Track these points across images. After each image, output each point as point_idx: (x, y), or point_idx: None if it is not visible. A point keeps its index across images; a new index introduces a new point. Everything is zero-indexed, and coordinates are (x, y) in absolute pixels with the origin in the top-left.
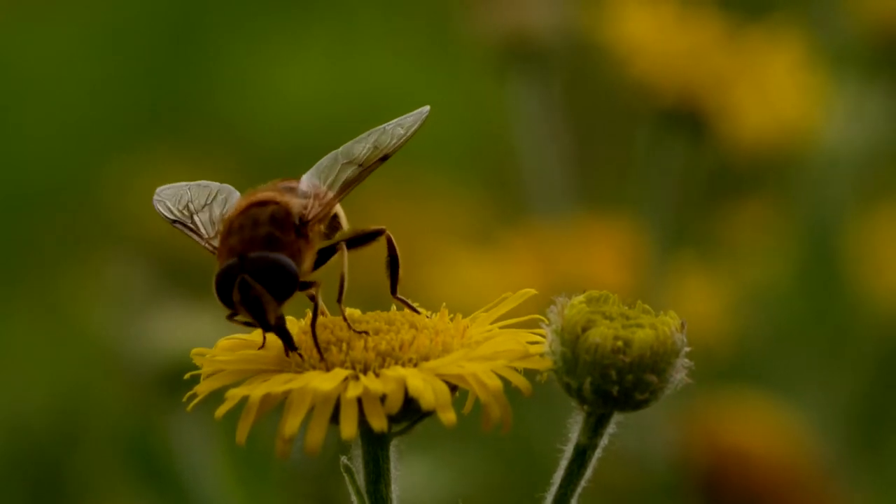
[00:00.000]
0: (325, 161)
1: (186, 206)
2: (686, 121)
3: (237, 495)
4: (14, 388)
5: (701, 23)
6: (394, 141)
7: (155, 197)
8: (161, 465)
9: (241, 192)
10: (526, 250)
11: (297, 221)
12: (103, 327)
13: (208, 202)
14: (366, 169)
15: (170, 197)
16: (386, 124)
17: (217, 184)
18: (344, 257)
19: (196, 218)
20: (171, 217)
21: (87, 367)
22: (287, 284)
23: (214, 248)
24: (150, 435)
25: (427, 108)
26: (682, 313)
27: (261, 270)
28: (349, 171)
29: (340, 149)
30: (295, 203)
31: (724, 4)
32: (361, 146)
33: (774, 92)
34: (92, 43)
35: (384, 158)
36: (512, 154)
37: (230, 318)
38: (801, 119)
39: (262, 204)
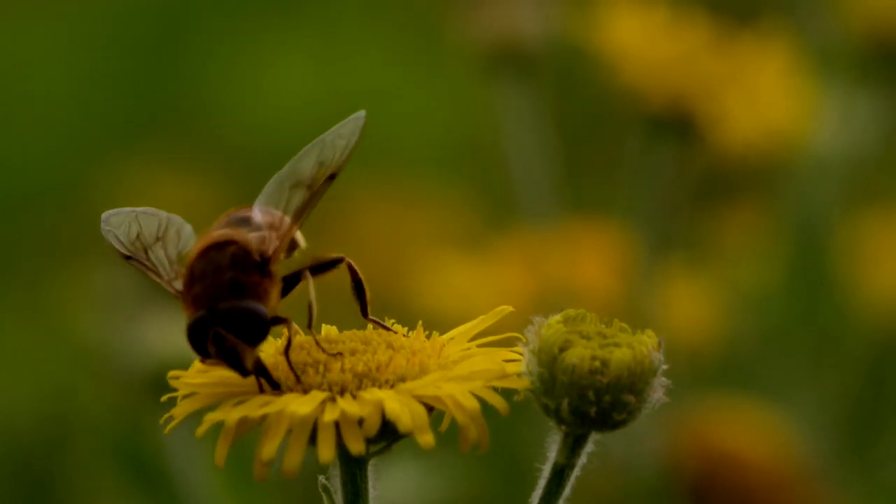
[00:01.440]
0: (270, 187)
1: (137, 239)
2: (675, 126)
3: (227, 498)
4: (1, 392)
5: (690, 28)
6: (337, 155)
7: (103, 226)
8: (150, 469)
9: (223, 197)
10: (514, 255)
11: (258, 258)
12: (91, 331)
13: (159, 236)
14: (315, 192)
15: (118, 226)
16: (325, 135)
17: (165, 213)
18: (310, 285)
19: (150, 254)
20: (125, 252)
21: (74, 371)
22: (259, 331)
23: (177, 291)
24: (139, 439)
25: (363, 112)
26: (670, 318)
27: (231, 321)
28: (298, 196)
29: (284, 170)
30: (252, 238)
31: (713, 9)
32: (305, 164)
33: (763, 97)
34: (78, 46)
35: (332, 177)
36: (500, 159)
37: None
38: (790, 124)
39: (220, 246)
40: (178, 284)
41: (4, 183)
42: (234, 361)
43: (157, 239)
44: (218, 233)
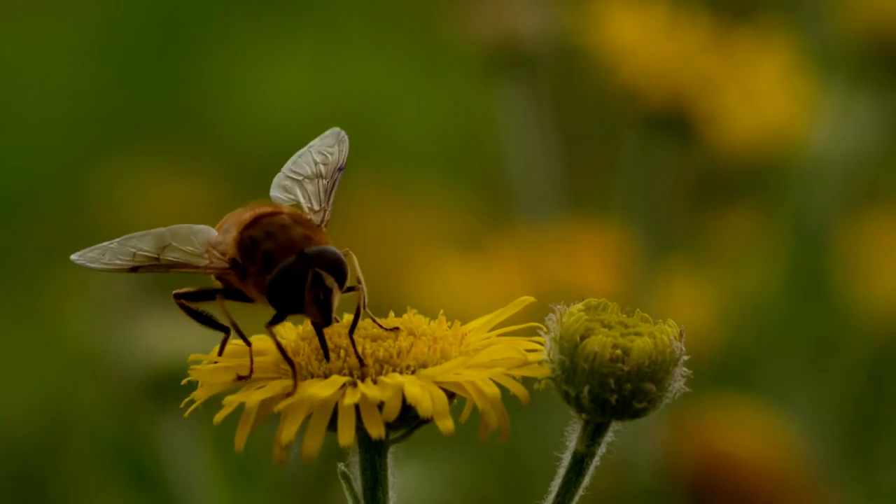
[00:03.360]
0: (281, 181)
1: (135, 256)
2: (674, 125)
3: (227, 501)
4: None
5: (688, 26)
6: (333, 156)
7: (79, 262)
8: (148, 472)
9: (222, 199)
10: (514, 256)
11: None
12: (88, 333)
13: (167, 244)
14: (335, 180)
15: (100, 257)
16: (307, 147)
17: (160, 229)
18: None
19: (168, 256)
20: (129, 265)
21: (71, 374)
22: (346, 275)
23: (223, 267)
24: (137, 442)
25: (338, 129)
26: (669, 318)
27: (326, 263)
28: (314, 185)
29: (285, 170)
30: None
31: (712, 8)
32: (304, 164)
33: (762, 96)
34: (77, 47)
35: (341, 169)
36: (499, 159)
37: (273, 323)
38: (789, 123)
39: (273, 214)
40: (220, 263)
41: (3, 184)
42: (326, 307)
43: (165, 246)
44: (261, 208)
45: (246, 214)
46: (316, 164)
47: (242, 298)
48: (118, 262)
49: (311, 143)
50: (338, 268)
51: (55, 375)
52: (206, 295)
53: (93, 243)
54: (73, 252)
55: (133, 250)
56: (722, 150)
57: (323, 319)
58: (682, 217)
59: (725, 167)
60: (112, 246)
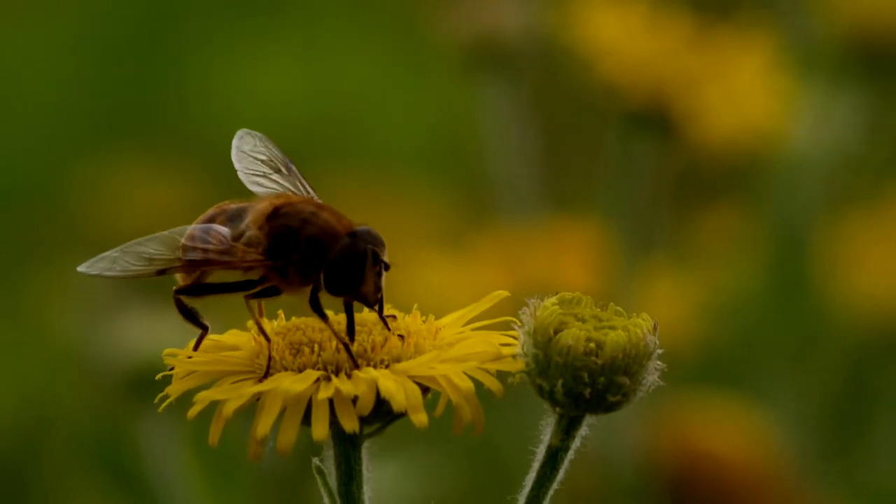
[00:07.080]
0: (251, 178)
1: (153, 259)
2: (655, 123)
3: (206, 498)
4: None
5: (669, 24)
6: (268, 151)
7: (93, 273)
8: (129, 469)
9: (205, 196)
10: (495, 253)
11: None
12: (69, 331)
13: (181, 244)
14: (290, 172)
15: (111, 264)
16: (236, 150)
17: (164, 233)
18: None
19: (189, 256)
20: (151, 269)
21: (52, 372)
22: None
23: (258, 261)
24: (118, 439)
25: (247, 129)
26: (651, 316)
27: (376, 240)
28: (281, 177)
29: (243, 170)
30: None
31: (693, 6)
32: (252, 164)
33: (743, 94)
34: (60, 46)
35: (290, 160)
36: (481, 156)
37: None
38: (770, 121)
39: (291, 203)
40: (254, 256)
41: None
42: (380, 285)
43: (178, 247)
44: (275, 200)
45: (261, 205)
46: (262, 162)
47: (245, 288)
48: (135, 268)
49: (237, 147)
50: (384, 245)
51: (36, 373)
52: (205, 290)
53: (75, 242)
54: (54, 250)
55: (147, 256)
56: (703, 148)
57: (377, 298)
58: (664, 215)
59: (706, 165)
60: (115, 254)
